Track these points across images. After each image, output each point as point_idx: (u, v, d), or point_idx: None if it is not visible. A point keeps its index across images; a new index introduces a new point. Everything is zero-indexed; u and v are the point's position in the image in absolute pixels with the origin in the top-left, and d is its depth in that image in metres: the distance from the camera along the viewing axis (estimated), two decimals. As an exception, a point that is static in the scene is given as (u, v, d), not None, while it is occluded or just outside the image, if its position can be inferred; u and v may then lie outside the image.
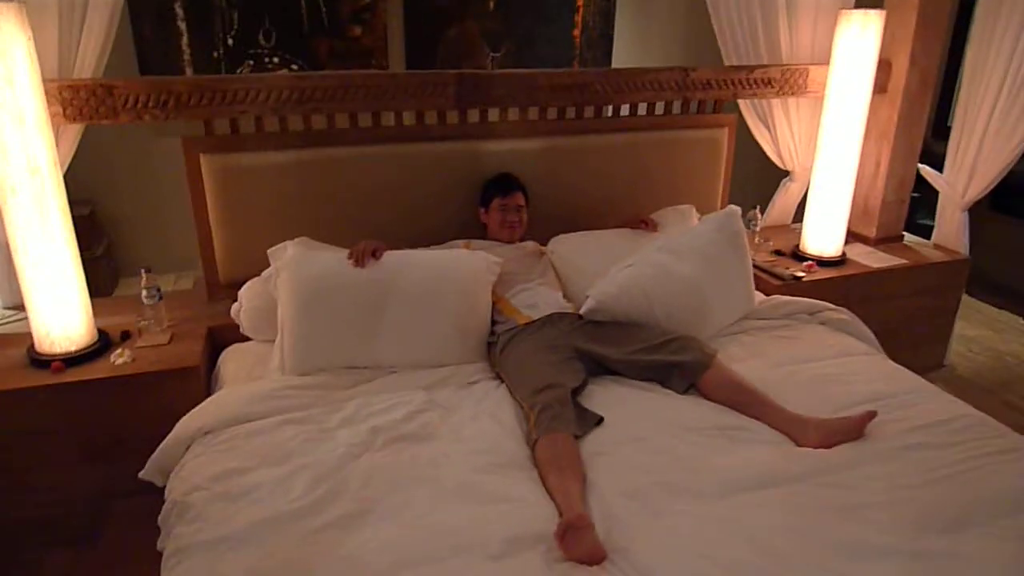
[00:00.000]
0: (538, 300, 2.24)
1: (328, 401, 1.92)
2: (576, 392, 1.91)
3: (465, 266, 2.20)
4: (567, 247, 2.55)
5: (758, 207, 3.09)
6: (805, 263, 2.88)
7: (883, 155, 3.10)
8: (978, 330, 3.55)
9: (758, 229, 3.06)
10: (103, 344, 2.14)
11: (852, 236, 3.15)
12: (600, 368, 2.06)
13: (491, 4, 3.87)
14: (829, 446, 1.74)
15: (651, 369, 2.01)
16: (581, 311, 2.19)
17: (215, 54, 3.48)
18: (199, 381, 2.10)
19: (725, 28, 2.91)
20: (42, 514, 2.06)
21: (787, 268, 2.84)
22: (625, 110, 2.84)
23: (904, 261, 2.98)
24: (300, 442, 1.75)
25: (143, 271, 2.21)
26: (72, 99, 2.11)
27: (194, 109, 2.24)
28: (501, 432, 1.81)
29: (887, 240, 3.21)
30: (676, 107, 2.88)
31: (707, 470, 1.66)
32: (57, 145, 2.04)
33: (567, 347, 2.06)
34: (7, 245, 2.04)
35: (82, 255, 2.12)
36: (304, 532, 1.47)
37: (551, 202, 2.65)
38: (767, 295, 2.59)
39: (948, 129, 3.20)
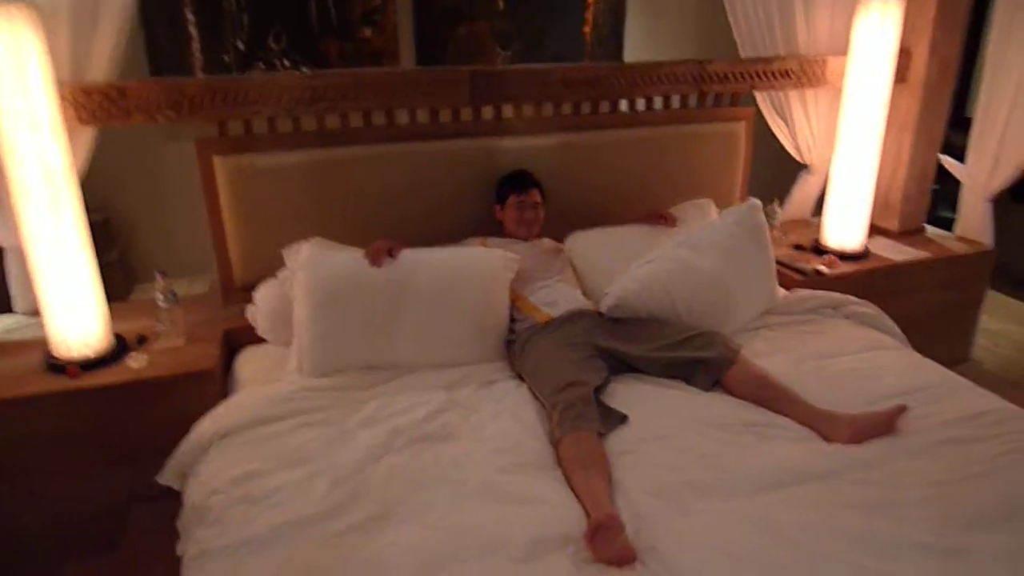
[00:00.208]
0: (557, 297, 2.21)
1: (347, 402, 1.90)
2: (599, 390, 1.88)
3: (482, 264, 2.17)
4: (584, 244, 2.52)
5: (776, 200, 3.05)
6: (826, 257, 2.83)
7: (904, 146, 3.04)
8: (1002, 324, 3.48)
9: (778, 223, 3.02)
10: (120, 348, 2.13)
11: (873, 229, 3.10)
12: (622, 366, 2.03)
13: (501, 3, 3.84)
14: (859, 442, 1.70)
15: (675, 366, 1.98)
16: (602, 309, 2.16)
17: (225, 57, 3.47)
18: (216, 384, 2.08)
19: (741, 19, 2.87)
20: (62, 521, 2.05)
21: (808, 262, 2.79)
22: (641, 105, 2.80)
23: (927, 254, 2.92)
24: (320, 444, 1.73)
25: (158, 274, 2.19)
26: (85, 102, 2.10)
27: (207, 110, 2.23)
28: (523, 431, 1.78)
29: (909, 233, 3.15)
30: (692, 101, 2.85)
31: (735, 468, 1.62)
32: (72, 150, 2.04)
33: (588, 345, 2.03)
34: (23, 251, 2.03)
35: (97, 262, 2.11)
36: (326, 535, 1.45)
37: (567, 198, 2.62)
38: (788, 290, 2.55)
39: (966, 120, 3.15)
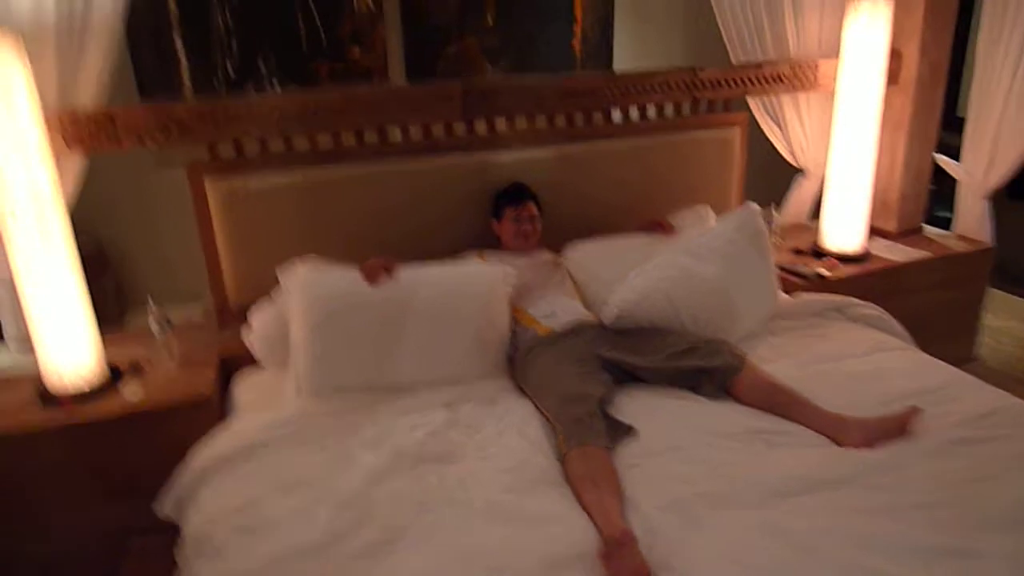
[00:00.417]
0: (556, 309, 2.18)
1: (347, 424, 1.85)
2: (604, 402, 1.84)
3: (481, 278, 2.14)
4: (583, 254, 2.49)
5: (773, 205, 3.03)
6: (826, 260, 2.81)
7: (898, 147, 3.04)
8: (1005, 321, 3.46)
9: (776, 228, 3.00)
10: (114, 378, 2.08)
11: (872, 230, 3.08)
12: (627, 377, 2.00)
13: (489, 19, 3.84)
14: (871, 445, 1.67)
15: (681, 376, 1.95)
16: (604, 320, 2.13)
17: (214, 80, 3.45)
18: (213, 410, 2.04)
19: (730, 25, 2.86)
20: (59, 553, 2.00)
21: (809, 266, 2.77)
22: (634, 114, 2.78)
23: (928, 253, 2.91)
24: (321, 468, 1.69)
25: (151, 301, 2.16)
26: (74, 129, 2.08)
27: (197, 133, 2.20)
28: (529, 448, 1.74)
29: (907, 233, 3.14)
30: (686, 109, 2.83)
31: (747, 477, 1.59)
32: (61, 177, 2.00)
33: (592, 357, 2.00)
34: (12, 282, 1.99)
35: (89, 290, 2.07)
36: (329, 563, 1.41)
37: (564, 210, 2.59)
38: (790, 294, 2.52)
39: (958, 120, 3.14)
